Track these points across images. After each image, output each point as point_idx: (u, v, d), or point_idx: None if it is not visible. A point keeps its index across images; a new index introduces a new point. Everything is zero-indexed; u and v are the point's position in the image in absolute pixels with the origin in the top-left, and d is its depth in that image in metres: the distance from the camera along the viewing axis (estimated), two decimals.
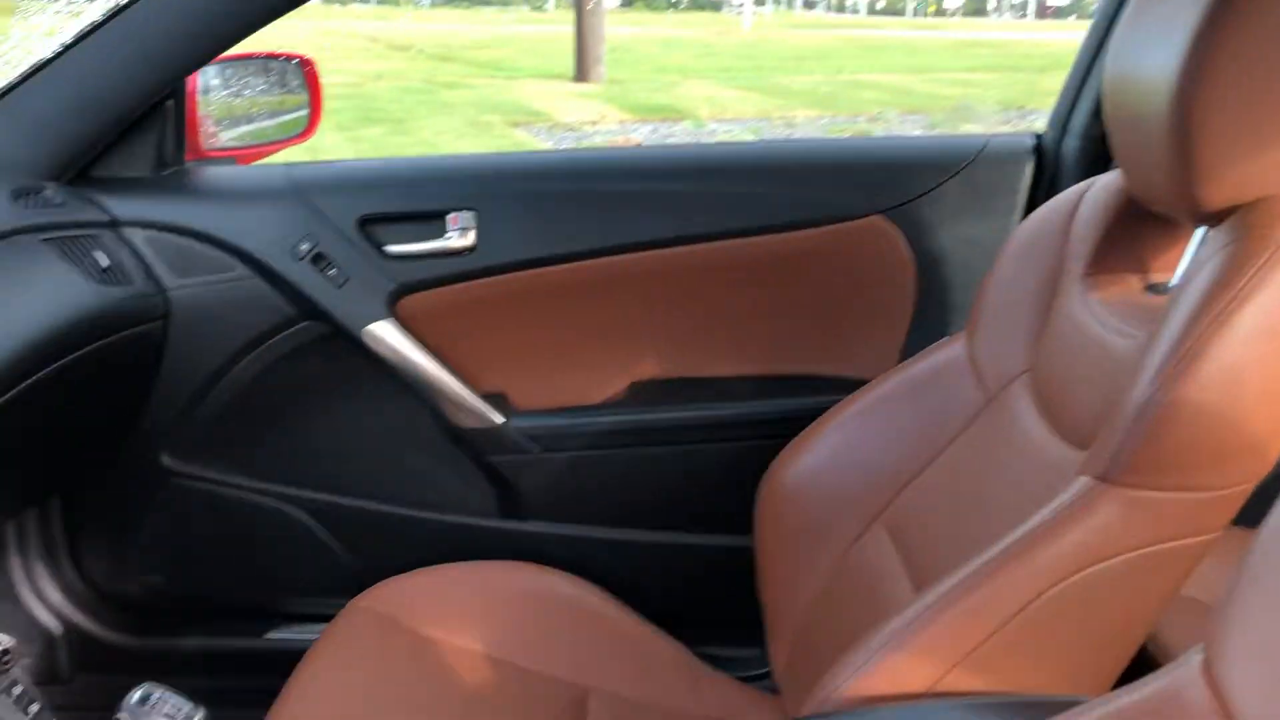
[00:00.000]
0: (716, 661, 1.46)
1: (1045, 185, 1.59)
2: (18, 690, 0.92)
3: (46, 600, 1.72)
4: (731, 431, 1.58)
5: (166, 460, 1.65)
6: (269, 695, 1.27)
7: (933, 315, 1.56)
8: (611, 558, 1.61)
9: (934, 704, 0.85)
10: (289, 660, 1.34)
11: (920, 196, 1.54)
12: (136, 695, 0.80)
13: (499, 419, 1.57)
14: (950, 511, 1.21)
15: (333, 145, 7.72)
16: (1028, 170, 1.58)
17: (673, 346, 1.59)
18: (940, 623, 0.91)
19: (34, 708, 0.93)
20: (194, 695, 1.68)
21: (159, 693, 0.80)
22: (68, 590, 1.73)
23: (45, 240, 1.40)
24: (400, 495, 1.66)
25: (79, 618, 1.73)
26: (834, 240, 1.53)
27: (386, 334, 1.53)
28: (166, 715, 0.79)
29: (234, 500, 1.66)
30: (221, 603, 1.75)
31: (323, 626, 1.58)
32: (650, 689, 1.38)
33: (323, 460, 1.66)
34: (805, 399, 1.54)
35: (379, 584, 1.43)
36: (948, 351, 1.31)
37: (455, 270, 1.52)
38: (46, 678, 1.72)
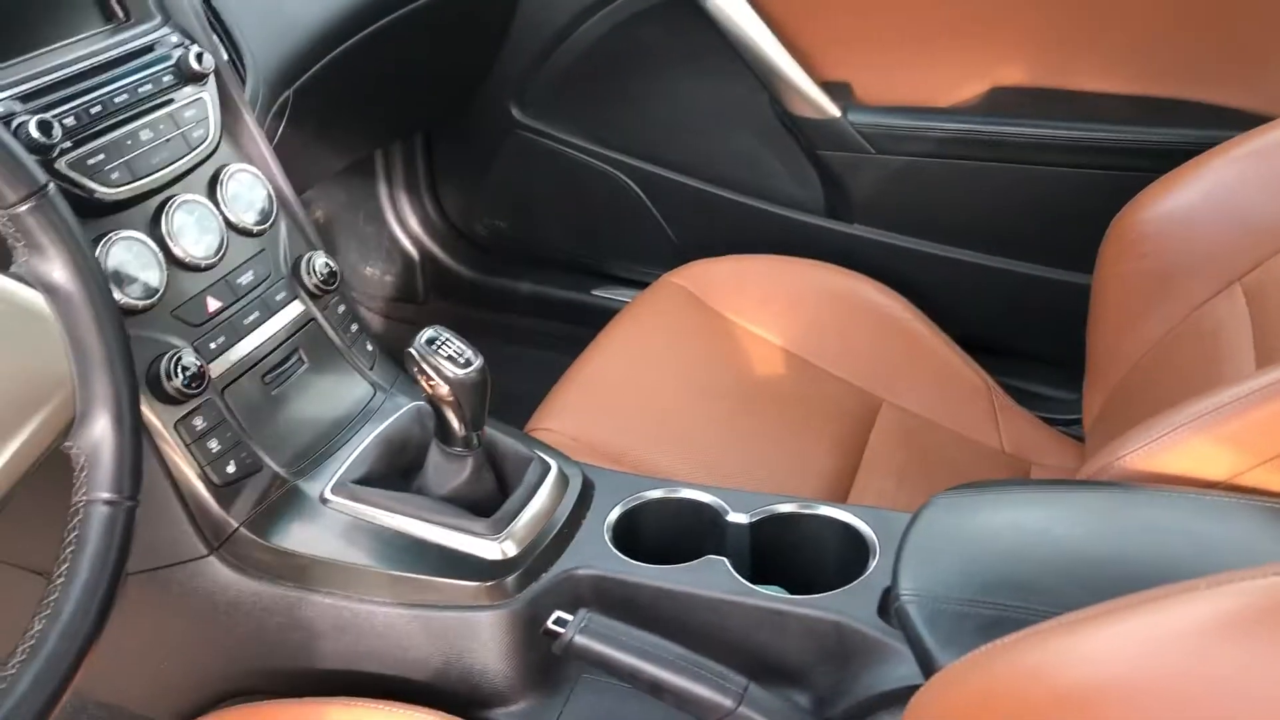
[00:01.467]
0: (1023, 397, 1.38)
1: None
2: (341, 309, 1.02)
3: (408, 228, 1.89)
4: (1093, 157, 1.40)
5: (515, 111, 1.71)
6: (585, 346, 1.35)
7: None
8: (930, 273, 1.53)
9: (1227, 498, 0.75)
10: (608, 317, 1.40)
11: None
12: (426, 335, 0.85)
13: (836, 111, 1.48)
14: None
15: None
16: None
17: (1043, 50, 1.40)
18: (1267, 410, 0.79)
19: (354, 327, 1.03)
20: (523, 334, 1.84)
21: (446, 335, 0.86)
22: (425, 222, 1.89)
23: None
24: (726, 177, 1.64)
25: (434, 248, 1.90)
26: None
27: (732, 5, 1.45)
28: (449, 357, 0.84)
29: (571, 159, 1.71)
30: (555, 255, 1.85)
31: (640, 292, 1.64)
32: (947, 411, 1.33)
33: (656, 131, 1.66)
34: (1190, 130, 1.33)
35: (692, 263, 1.44)
36: None
37: None
38: (405, 295, 1.92)
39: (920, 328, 1.38)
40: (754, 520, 0.91)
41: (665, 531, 0.93)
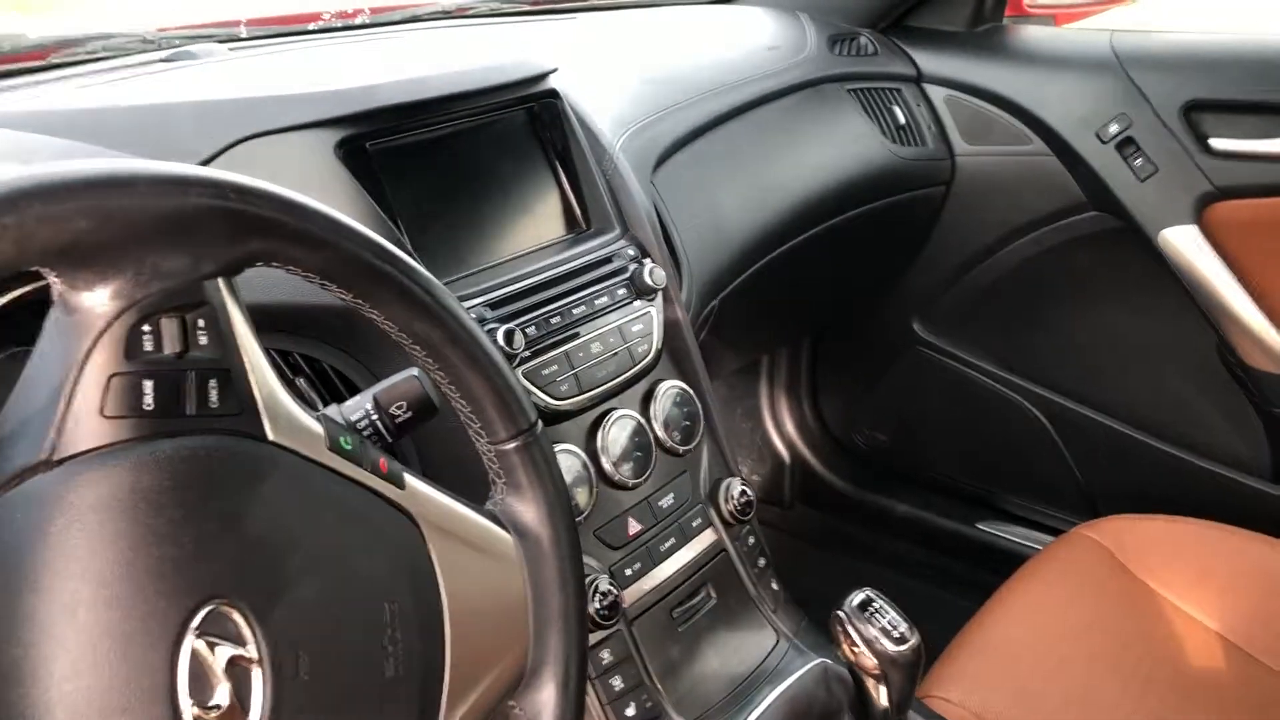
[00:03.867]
0: None
1: None
2: (751, 541, 0.95)
3: (783, 430, 1.84)
4: None
5: (917, 326, 1.63)
6: (966, 584, 1.22)
7: None
8: None
9: None
10: (995, 558, 1.27)
11: None
12: (859, 599, 0.77)
13: None
14: None
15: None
16: None
17: None
18: None
19: (762, 561, 0.96)
20: (894, 557, 1.72)
21: (881, 603, 0.77)
22: (801, 426, 1.83)
23: (850, 90, 1.40)
24: (1153, 423, 1.47)
25: (807, 453, 1.83)
26: None
27: (1187, 242, 1.31)
28: (883, 628, 0.75)
29: (974, 382, 1.60)
30: (939, 479, 1.73)
31: (1039, 535, 1.48)
32: None
33: (1076, 364, 1.52)
34: None
35: (1112, 517, 1.28)
36: None
37: None
38: (770, 498, 1.86)
39: None
40: None
41: None
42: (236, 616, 0.45)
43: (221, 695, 0.44)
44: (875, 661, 0.76)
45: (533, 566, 0.58)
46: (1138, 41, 1.38)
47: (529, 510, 0.58)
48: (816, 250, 1.33)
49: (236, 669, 0.45)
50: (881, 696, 0.78)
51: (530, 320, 0.83)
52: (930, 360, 1.63)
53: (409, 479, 0.53)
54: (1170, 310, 1.39)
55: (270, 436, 0.48)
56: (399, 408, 0.59)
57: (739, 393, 1.82)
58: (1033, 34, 1.49)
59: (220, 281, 0.48)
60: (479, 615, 0.55)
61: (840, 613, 0.78)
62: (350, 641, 0.48)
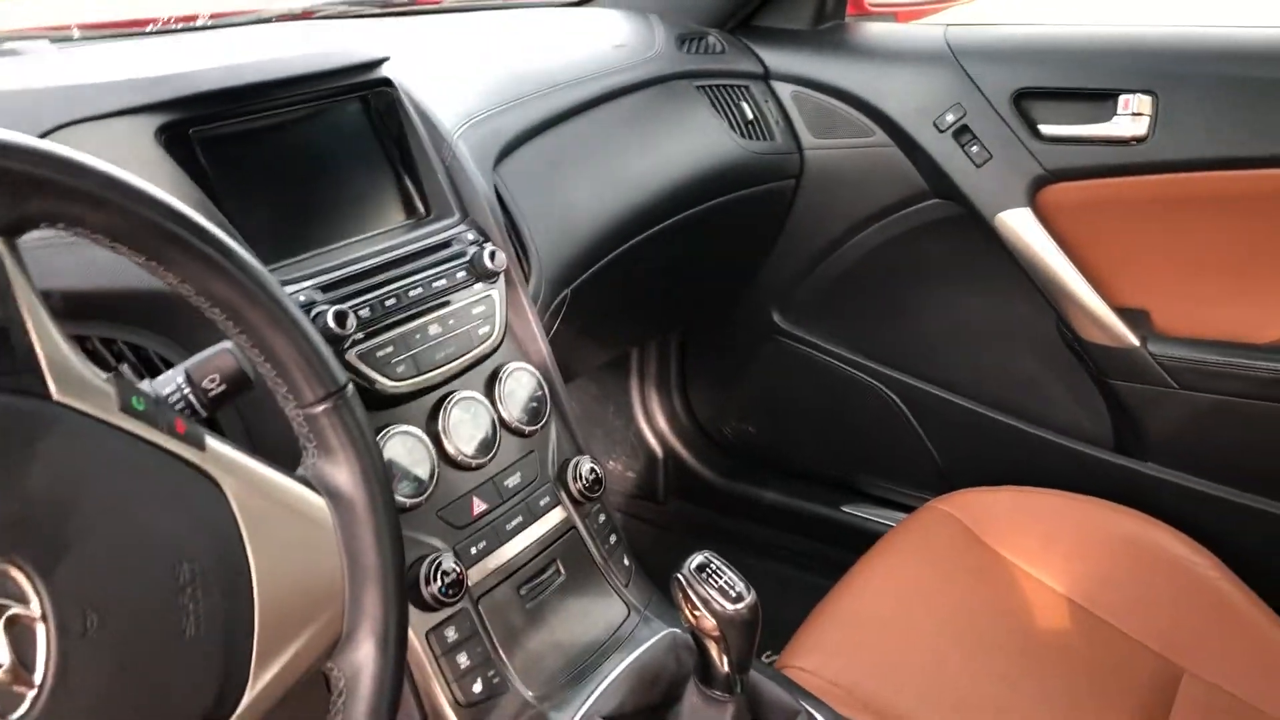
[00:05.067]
0: None
1: None
2: (602, 519, 0.97)
3: (655, 424, 1.86)
4: None
5: (777, 317, 1.67)
6: (832, 566, 1.25)
7: None
8: (1241, 527, 1.35)
9: None
10: (859, 539, 1.30)
11: None
12: (696, 561, 0.79)
13: (1134, 340, 1.36)
14: None
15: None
16: None
17: None
18: None
19: (613, 538, 0.97)
20: (764, 545, 1.75)
21: (718, 564, 0.78)
22: (672, 419, 1.86)
23: (699, 87, 1.43)
24: (1001, 400, 1.52)
25: (679, 447, 1.86)
26: None
27: (1022, 224, 1.37)
28: (719, 588, 0.77)
29: (832, 370, 1.64)
30: (804, 466, 1.77)
31: (900, 515, 1.53)
32: (1260, 688, 1.14)
33: (926, 346, 1.57)
34: None
35: (963, 490, 1.33)
36: None
37: (1117, 161, 1.31)
38: (645, 494, 1.87)
39: (1231, 590, 1.21)
40: None
41: None
42: (16, 574, 0.44)
43: (0, 654, 0.43)
44: (714, 623, 0.78)
45: (346, 529, 0.58)
46: (970, 34, 1.44)
47: (341, 473, 0.58)
48: (671, 243, 1.36)
49: (18, 628, 0.44)
50: (721, 659, 0.80)
51: (364, 303, 0.83)
52: (791, 350, 1.67)
53: (211, 441, 0.53)
54: (1012, 291, 1.45)
55: (54, 395, 0.47)
56: (211, 381, 0.58)
57: (610, 389, 1.84)
58: (872, 30, 1.54)
59: (0, 242, 0.47)
60: (290, 576, 0.55)
61: (679, 576, 0.79)
62: (144, 600, 0.48)
